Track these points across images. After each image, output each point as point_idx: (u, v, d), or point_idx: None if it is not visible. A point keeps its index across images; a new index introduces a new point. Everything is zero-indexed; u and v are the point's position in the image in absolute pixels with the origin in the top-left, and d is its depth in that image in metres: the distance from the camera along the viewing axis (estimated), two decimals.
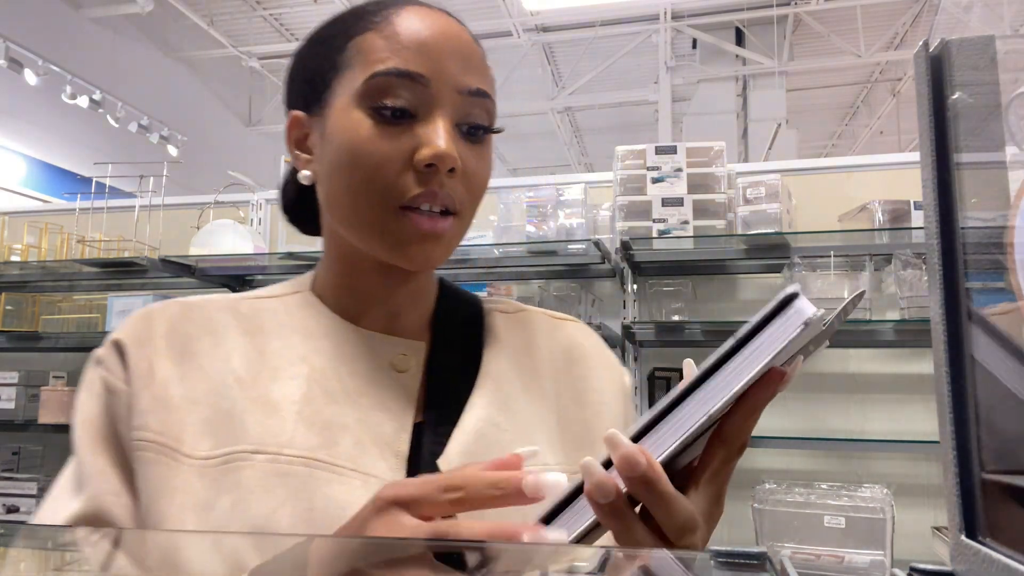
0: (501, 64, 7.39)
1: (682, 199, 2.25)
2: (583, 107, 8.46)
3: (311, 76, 0.65)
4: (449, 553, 0.42)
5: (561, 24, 6.99)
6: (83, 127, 6.48)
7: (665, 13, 6.67)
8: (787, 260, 2.26)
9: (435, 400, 0.65)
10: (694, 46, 7.10)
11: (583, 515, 0.42)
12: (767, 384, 0.42)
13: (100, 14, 6.30)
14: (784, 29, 6.63)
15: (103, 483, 0.59)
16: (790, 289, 0.41)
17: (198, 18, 6.40)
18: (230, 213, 2.83)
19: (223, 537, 0.54)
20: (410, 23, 0.61)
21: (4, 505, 2.61)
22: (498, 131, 0.66)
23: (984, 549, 0.29)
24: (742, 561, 0.36)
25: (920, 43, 0.33)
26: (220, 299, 0.68)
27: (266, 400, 0.60)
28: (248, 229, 2.70)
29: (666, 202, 2.26)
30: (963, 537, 0.30)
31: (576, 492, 0.42)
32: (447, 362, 0.67)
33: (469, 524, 0.44)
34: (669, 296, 2.40)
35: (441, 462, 0.59)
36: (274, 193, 2.68)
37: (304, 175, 0.65)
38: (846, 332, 2.21)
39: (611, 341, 2.30)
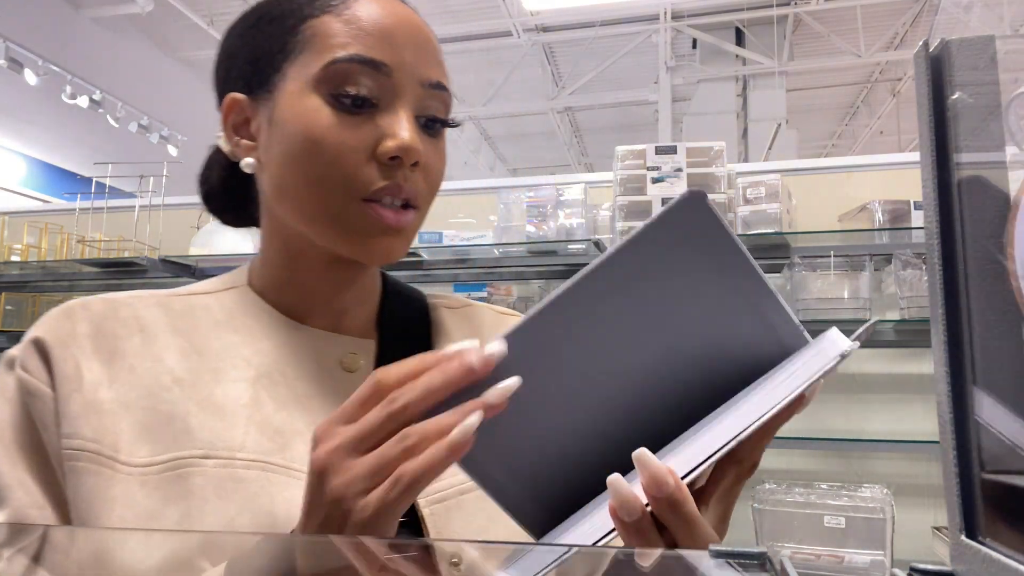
0: (501, 64, 7.40)
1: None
2: (583, 107, 8.46)
3: (256, 57, 0.61)
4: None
5: (561, 24, 6.98)
6: (83, 127, 6.47)
7: (665, 13, 6.67)
8: (787, 260, 2.26)
9: None
10: (694, 46, 7.10)
11: (601, 525, 0.41)
12: (789, 410, 0.43)
13: (100, 14, 6.30)
14: (784, 29, 6.63)
15: (24, 495, 0.53)
16: (686, 193, 0.41)
17: (198, 18, 6.40)
18: None
19: (172, 542, 0.50)
20: (370, 9, 0.59)
21: None
22: (455, 125, 0.64)
23: (984, 549, 0.29)
24: (742, 561, 0.35)
25: (920, 43, 0.33)
26: (148, 295, 0.64)
27: (211, 402, 0.57)
28: (248, 229, 2.70)
29: (666, 202, 2.26)
30: (963, 537, 0.30)
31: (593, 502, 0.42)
32: (397, 360, 0.63)
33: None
34: None
35: None
36: None
37: (247, 163, 0.62)
38: (846, 332, 2.21)
39: None
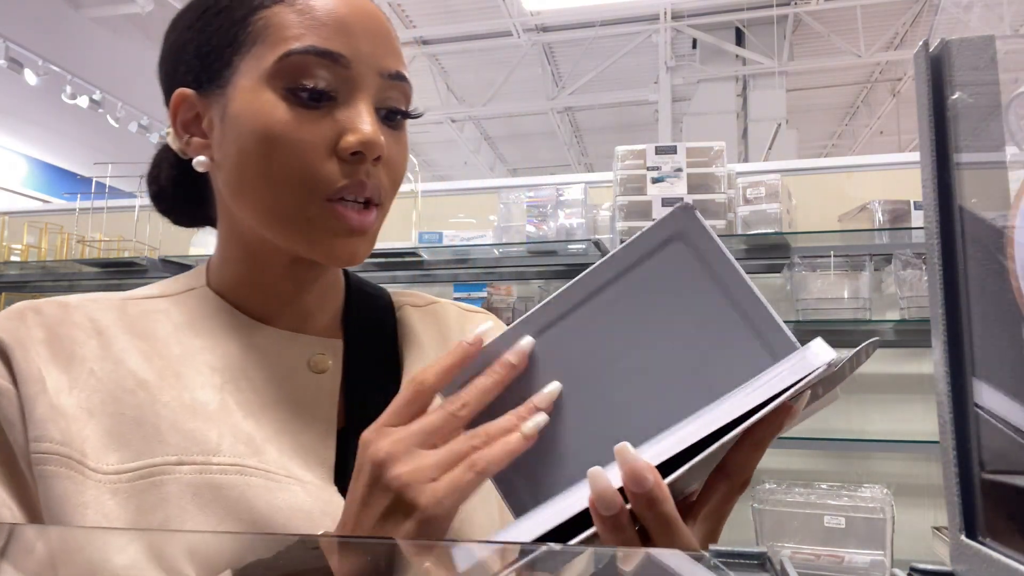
0: (501, 64, 7.40)
1: (682, 199, 2.25)
2: (583, 107, 8.46)
3: (204, 51, 0.58)
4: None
5: (561, 24, 6.98)
6: (83, 127, 6.48)
7: (665, 13, 6.67)
8: (787, 260, 2.26)
9: (357, 403, 0.61)
10: (694, 46, 7.10)
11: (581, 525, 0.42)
12: (774, 419, 0.42)
13: (100, 14, 6.30)
14: (784, 29, 6.63)
15: None
16: (682, 203, 0.44)
17: None
18: None
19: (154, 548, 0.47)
20: None
21: None
22: (417, 116, 0.61)
23: (984, 549, 0.29)
24: (742, 561, 0.35)
25: (920, 43, 0.33)
26: (103, 298, 0.61)
27: (180, 405, 0.54)
28: None
29: (666, 202, 2.26)
30: (963, 537, 0.30)
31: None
32: (365, 362, 0.63)
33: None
34: None
35: None
36: None
37: (199, 161, 0.59)
38: (846, 332, 2.21)
39: None
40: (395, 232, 2.65)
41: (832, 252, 2.16)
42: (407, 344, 0.66)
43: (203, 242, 2.63)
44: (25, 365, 0.53)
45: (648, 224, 0.45)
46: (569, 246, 2.36)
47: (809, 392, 0.44)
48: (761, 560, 0.35)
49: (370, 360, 0.63)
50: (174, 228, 0.71)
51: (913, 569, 0.31)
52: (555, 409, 0.45)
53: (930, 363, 0.34)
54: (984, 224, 0.31)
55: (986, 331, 0.31)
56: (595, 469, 0.40)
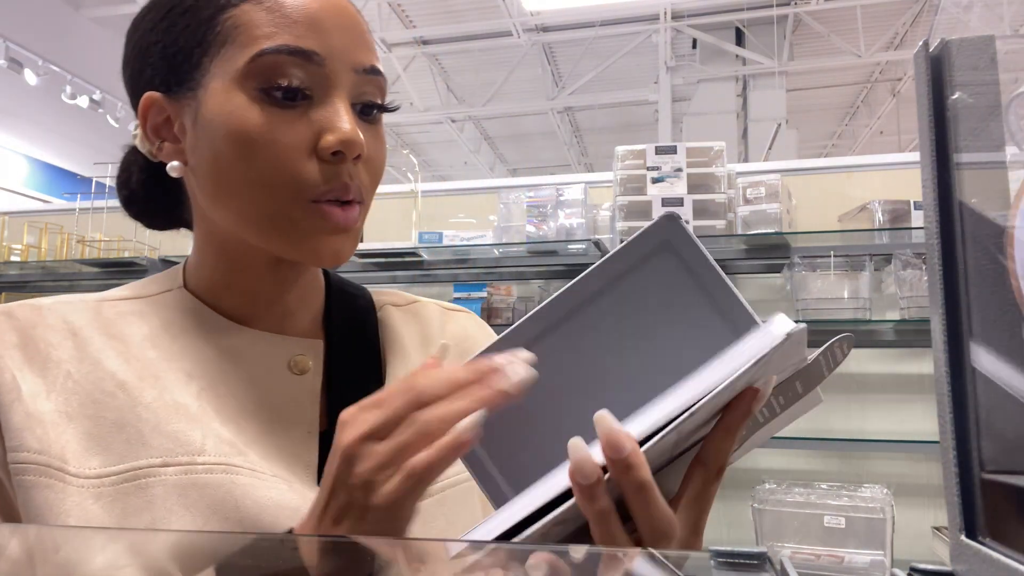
0: (501, 64, 7.40)
1: (682, 199, 2.25)
2: (583, 107, 8.46)
3: (171, 52, 0.56)
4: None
5: (561, 24, 6.98)
6: (83, 127, 6.48)
7: (665, 13, 6.67)
8: (787, 260, 2.26)
9: (339, 404, 0.59)
10: (694, 46, 7.10)
11: (557, 487, 0.42)
12: (742, 403, 0.42)
13: (100, 14, 6.30)
14: (784, 29, 6.63)
15: None
16: (666, 211, 0.45)
17: None
18: None
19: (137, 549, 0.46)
20: None
21: None
22: (393, 109, 0.60)
23: (984, 549, 0.29)
24: (742, 561, 0.35)
25: (920, 43, 0.33)
26: (76, 300, 0.60)
27: (161, 407, 0.54)
28: None
29: (666, 202, 2.26)
30: (963, 537, 0.30)
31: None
32: (347, 362, 0.62)
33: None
34: None
35: None
36: None
37: (173, 166, 0.57)
38: (846, 332, 2.21)
39: None
40: (395, 232, 2.65)
41: (832, 252, 2.16)
42: (389, 344, 0.65)
43: None
44: None
45: (647, 224, 0.46)
46: (569, 246, 2.36)
47: (776, 377, 0.44)
48: (761, 560, 0.36)
49: (351, 360, 0.63)
50: None
51: (913, 569, 0.31)
52: (543, 420, 0.45)
53: (930, 363, 0.34)
54: (984, 224, 0.31)
55: (986, 331, 0.31)
56: (575, 439, 0.40)
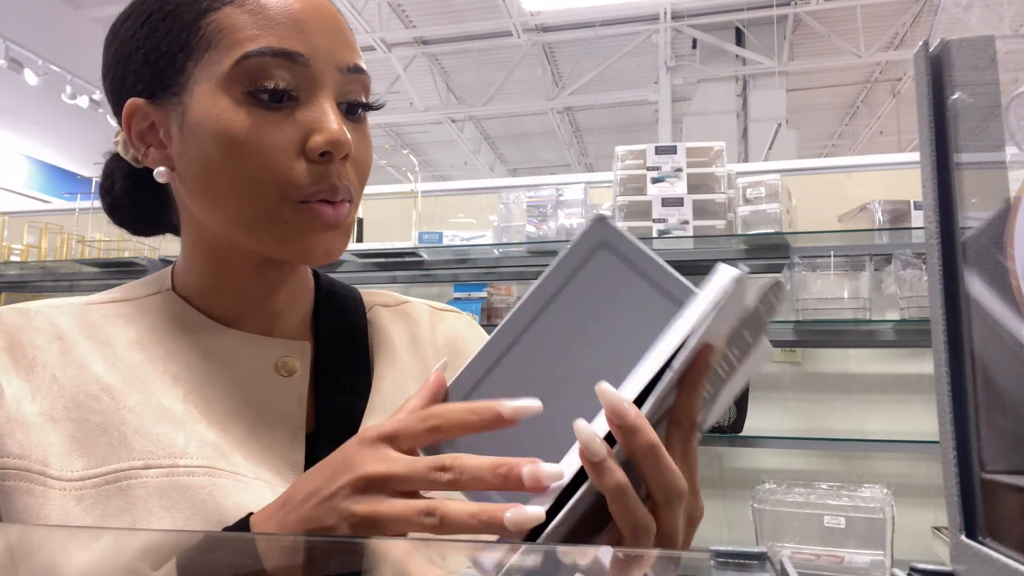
0: (501, 64, 7.40)
1: (682, 199, 2.25)
2: (583, 107, 8.46)
3: (153, 58, 0.56)
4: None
5: (561, 24, 6.98)
6: (83, 127, 6.48)
7: (665, 13, 6.67)
8: (787, 260, 2.26)
9: (326, 406, 0.60)
10: (694, 46, 7.10)
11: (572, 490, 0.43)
12: (699, 359, 0.44)
13: (100, 14, 6.30)
14: (784, 29, 6.63)
15: None
16: (598, 213, 0.48)
17: None
18: None
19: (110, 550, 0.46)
20: None
21: None
22: (378, 107, 0.60)
23: (984, 549, 0.29)
24: (742, 561, 0.36)
25: (920, 43, 0.33)
26: (64, 304, 0.60)
27: (145, 410, 0.54)
28: None
29: (666, 202, 2.26)
30: (963, 537, 0.30)
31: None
32: (335, 364, 0.62)
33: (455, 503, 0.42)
34: None
35: None
36: None
37: (160, 172, 0.57)
38: (846, 332, 2.21)
39: None
40: (395, 232, 2.65)
41: (832, 252, 2.16)
42: (378, 345, 0.65)
43: None
44: None
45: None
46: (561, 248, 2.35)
47: (729, 333, 0.46)
48: (761, 560, 0.36)
49: (339, 362, 0.63)
50: None
51: (913, 569, 0.31)
52: (526, 428, 0.46)
53: (930, 363, 0.34)
54: (984, 224, 0.31)
55: (986, 331, 0.31)
56: (578, 421, 0.42)
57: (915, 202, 2.17)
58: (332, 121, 0.54)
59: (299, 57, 0.53)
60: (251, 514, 0.48)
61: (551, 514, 0.41)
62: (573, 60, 7.49)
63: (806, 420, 2.33)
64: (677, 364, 0.42)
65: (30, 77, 5.54)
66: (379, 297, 0.70)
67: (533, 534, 0.41)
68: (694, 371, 0.44)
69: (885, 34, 6.87)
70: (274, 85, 0.53)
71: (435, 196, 2.78)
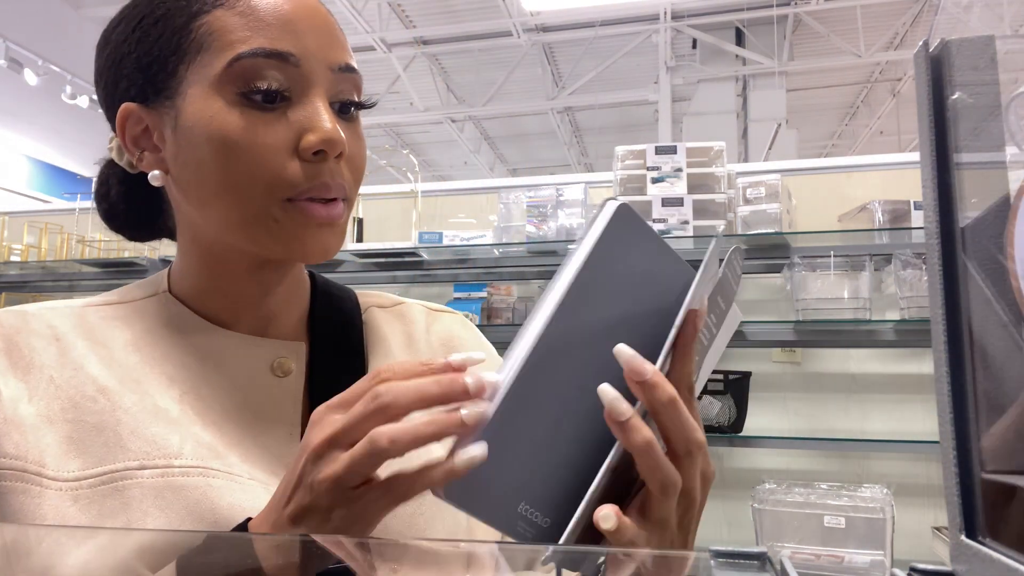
0: (501, 64, 7.40)
1: (682, 199, 2.25)
2: (583, 107, 8.46)
3: (145, 62, 0.56)
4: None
5: (561, 24, 6.98)
6: (83, 127, 6.48)
7: (665, 13, 6.67)
8: (787, 260, 2.26)
9: None
10: (694, 46, 7.10)
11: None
12: (688, 324, 0.46)
13: (100, 14, 6.30)
14: (784, 29, 6.63)
15: None
16: (615, 201, 0.49)
17: None
18: None
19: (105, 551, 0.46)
20: None
21: None
22: (371, 105, 0.61)
23: (984, 549, 0.29)
24: (742, 561, 0.36)
25: (920, 43, 0.33)
26: (62, 305, 0.61)
27: (141, 411, 0.54)
28: None
29: (666, 202, 2.26)
30: (963, 537, 0.30)
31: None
32: (331, 365, 0.63)
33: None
34: None
35: None
36: None
37: (155, 175, 0.58)
38: (846, 332, 2.21)
39: None
40: (395, 232, 2.65)
41: (832, 252, 2.16)
42: (373, 345, 0.66)
43: None
44: None
45: (601, 214, 0.49)
46: (569, 246, 2.35)
47: (709, 297, 0.48)
48: (761, 560, 0.36)
49: (335, 362, 0.63)
50: None
51: (913, 569, 0.31)
52: (545, 428, 0.45)
53: (930, 363, 0.34)
54: (984, 224, 0.31)
55: (986, 331, 0.31)
56: (603, 386, 0.43)
57: (915, 202, 2.17)
58: (325, 120, 0.54)
59: (291, 57, 0.54)
60: (250, 519, 0.48)
61: (567, 518, 0.42)
62: (573, 60, 7.49)
63: (806, 420, 2.34)
64: (672, 332, 0.45)
65: (30, 77, 5.54)
66: (375, 298, 0.71)
67: (556, 534, 0.42)
68: (684, 336, 0.46)
69: (885, 34, 6.87)
70: (267, 86, 0.53)
71: (435, 196, 2.78)
